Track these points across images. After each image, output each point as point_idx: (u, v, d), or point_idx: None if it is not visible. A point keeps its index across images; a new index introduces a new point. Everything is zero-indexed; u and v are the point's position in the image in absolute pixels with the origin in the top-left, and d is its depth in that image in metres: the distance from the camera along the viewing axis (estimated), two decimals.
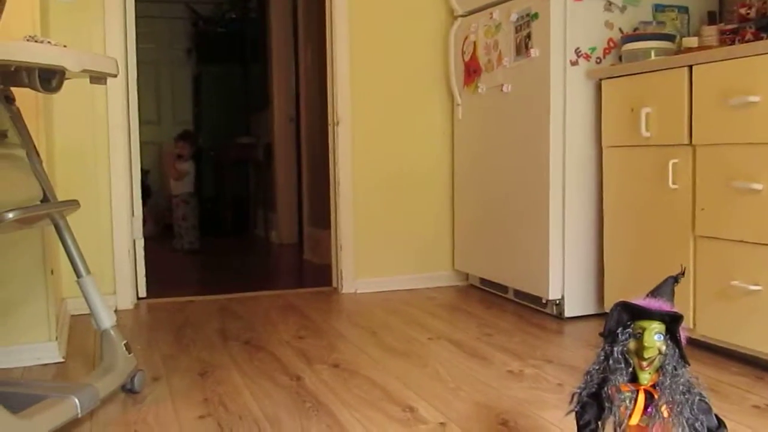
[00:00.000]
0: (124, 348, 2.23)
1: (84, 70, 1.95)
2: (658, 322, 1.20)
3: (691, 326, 2.54)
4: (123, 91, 3.42)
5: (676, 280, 1.32)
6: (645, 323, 1.21)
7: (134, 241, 3.55)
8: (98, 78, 2.14)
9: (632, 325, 1.23)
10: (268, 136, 6.38)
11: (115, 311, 3.39)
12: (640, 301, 1.24)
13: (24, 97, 2.45)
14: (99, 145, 3.40)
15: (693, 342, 2.59)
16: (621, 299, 1.23)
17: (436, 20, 3.85)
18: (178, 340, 2.92)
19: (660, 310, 1.20)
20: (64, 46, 1.93)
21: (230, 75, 7.80)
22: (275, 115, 6.03)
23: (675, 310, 1.22)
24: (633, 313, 1.22)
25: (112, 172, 3.40)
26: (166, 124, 8.45)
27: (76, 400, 1.90)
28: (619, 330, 1.23)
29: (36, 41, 1.87)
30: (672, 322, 1.20)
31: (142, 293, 3.63)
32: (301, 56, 5.32)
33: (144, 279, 3.64)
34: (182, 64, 8.27)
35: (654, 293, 1.29)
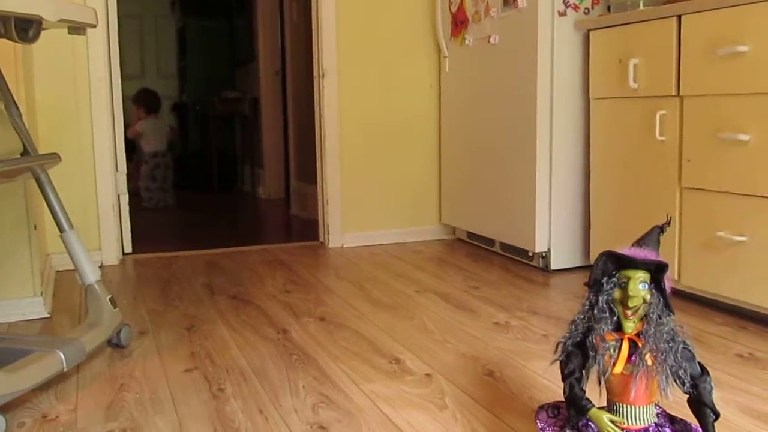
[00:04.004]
0: (109, 302, 2.22)
1: (62, 20, 1.90)
2: (643, 272, 1.20)
3: (676, 277, 2.55)
4: (104, 44, 3.36)
5: (662, 229, 1.31)
6: (630, 272, 1.20)
7: (119, 196, 3.52)
8: (77, 28, 2.09)
9: (617, 275, 1.22)
10: (254, 90, 6.31)
11: (101, 267, 3.39)
12: (626, 250, 1.23)
13: (2, 48, 2.40)
14: (81, 98, 3.35)
15: (678, 293, 2.61)
16: (607, 249, 1.22)
17: None
18: (164, 294, 2.91)
19: (645, 259, 1.20)
20: None
21: (215, 28, 7.68)
22: (261, 69, 5.96)
23: (660, 259, 1.21)
24: (618, 263, 1.22)
25: (94, 127, 3.35)
26: (150, 77, 8.34)
27: (62, 355, 1.89)
28: (605, 279, 1.23)
29: None
30: (657, 271, 1.19)
31: (128, 249, 3.61)
32: (286, 7, 5.23)
33: (129, 234, 3.62)
34: (166, 17, 8.14)
35: (640, 243, 1.28)
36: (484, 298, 2.75)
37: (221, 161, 7.16)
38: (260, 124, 6.09)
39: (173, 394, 1.88)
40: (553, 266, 3.10)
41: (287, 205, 5.43)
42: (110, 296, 2.25)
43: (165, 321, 2.55)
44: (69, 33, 2.10)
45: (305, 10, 4.28)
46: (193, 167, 7.32)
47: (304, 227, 4.30)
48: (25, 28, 1.86)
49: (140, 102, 6.10)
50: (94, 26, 2.08)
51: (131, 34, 8.16)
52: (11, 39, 1.83)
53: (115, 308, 2.24)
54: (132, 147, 6.24)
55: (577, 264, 3.13)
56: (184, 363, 2.11)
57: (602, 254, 1.23)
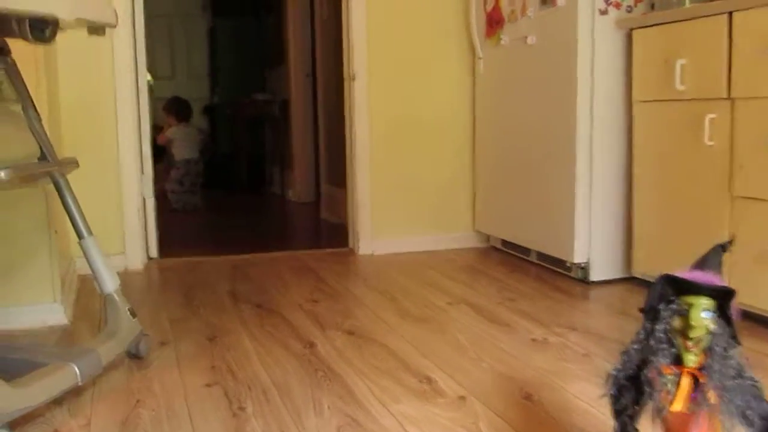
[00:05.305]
0: (128, 312, 2.14)
1: (79, 19, 1.82)
2: (706, 298, 1.07)
3: None
4: (130, 44, 3.29)
5: (724, 248, 1.18)
6: (692, 299, 1.07)
7: (144, 199, 3.45)
8: (96, 29, 2.01)
9: (677, 301, 1.09)
10: (284, 92, 6.23)
11: (125, 272, 3.32)
12: (686, 273, 1.10)
13: (23, 49, 2.32)
14: (106, 100, 3.28)
15: None
16: (665, 272, 1.09)
17: None
18: (187, 302, 2.83)
19: (709, 284, 1.07)
20: None
21: (245, 28, 7.62)
22: (291, 71, 5.88)
23: (726, 284, 1.08)
24: (678, 287, 1.09)
25: (119, 129, 3.29)
26: (180, 79, 8.32)
27: (76, 368, 1.81)
28: (662, 306, 1.10)
29: None
30: (722, 297, 1.06)
31: (153, 253, 3.54)
32: (316, 9, 5.13)
33: (155, 238, 3.54)
34: (196, 18, 8.10)
35: (700, 264, 1.15)
36: (520, 311, 2.62)
37: (251, 163, 7.11)
38: (290, 126, 6.01)
39: (191, 411, 1.78)
40: (593, 278, 2.95)
41: (317, 208, 5.33)
42: (129, 306, 2.16)
43: (187, 330, 2.46)
44: (89, 34, 2.02)
45: (335, 10, 4.18)
46: (223, 169, 7.28)
47: (334, 232, 4.20)
48: (42, 28, 1.78)
49: (171, 110, 6.08)
50: (114, 26, 1.99)
51: (161, 35, 8.16)
52: (26, 39, 1.75)
53: (134, 318, 2.15)
54: (160, 150, 6.21)
55: (618, 276, 2.97)
56: (204, 377, 2.01)
57: (660, 277, 1.10)
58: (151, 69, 8.24)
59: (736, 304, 1.08)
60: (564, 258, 3.02)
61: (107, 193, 3.30)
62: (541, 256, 3.26)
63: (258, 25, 7.52)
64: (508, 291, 2.90)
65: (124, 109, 3.27)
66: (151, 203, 3.49)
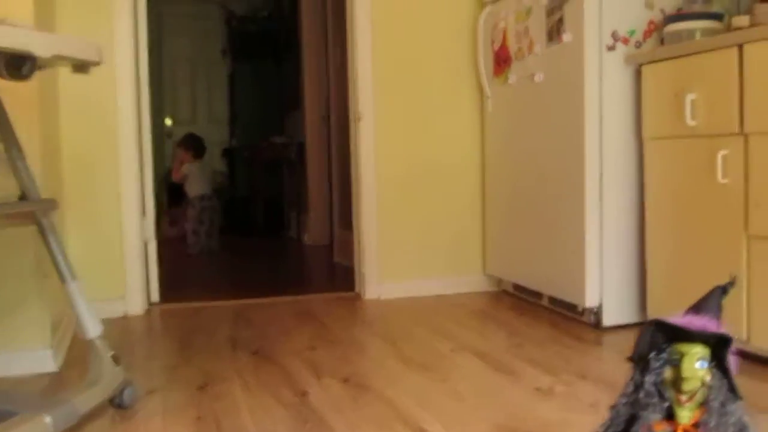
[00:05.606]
0: (111, 359, 2.05)
1: (57, 57, 1.77)
2: (701, 346, 0.96)
3: (745, 337, 2.26)
4: (132, 84, 3.24)
5: (725, 291, 1.07)
6: (684, 347, 0.96)
7: (146, 242, 3.39)
8: (80, 66, 1.96)
9: (669, 349, 0.98)
10: (301, 135, 6.21)
11: (125, 317, 3.25)
12: (680, 318, 0.99)
13: (18, 87, 2.29)
14: (107, 142, 3.24)
15: (747, 356, 2.31)
16: (656, 317, 0.98)
17: (463, 8, 3.61)
18: (183, 348, 2.74)
19: (704, 331, 0.95)
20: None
21: (265, 73, 7.67)
22: (307, 114, 5.86)
23: (723, 330, 0.97)
24: (670, 334, 0.98)
25: (121, 171, 3.24)
26: (201, 122, 8.38)
27: (48, 419, 1.72)
28: (653, 355, 0.99)
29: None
30: (719, 345, 0.95)
31: (155, 298, 3.46)
32: (330, 53, 5.12)
33: (157, 282, 3.47)
34: (217, 62, 8.18)
35: (698, 308, 1.04)
36: (528, 358, 2.49)
37: (268, 206, 7.08)
38: (306, 169, 5.97)
39: None
40: (606, 323, 2.82)
41: (331, 252, 5.24)
42: (113, 353, 2.07)
43: (178, 378, 2.36)
44: (73, 71, 1.97)
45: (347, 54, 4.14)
46: (241, 212, 7.26)
47: (344, 276, 4.10)
48: (18, 65, 1.73)
49: (189, 146, 6.11)
50: (97, 63, 1.94)
51: (184, 79, 8.24)
52: (2, 76, 1.70)
53: (117, 365, 2.06)
54: (179, 191, 6.21)
55: (633, 320, 2.84)
56: (188, 428, 1.91)
57: (649, 323, 0.99)
58: (172, 113, 8.38)
59: (735, 353, 0.97)
60: (575, 302, 2.90)
61: (108, 236, 3.24)
62: (553, 300, 3.13)
63: (277, 70, 7.56)
64: (517, 337, 2.78)
65: (126, 151, 3.23)
66: (153, 246, 3.42)
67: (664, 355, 0.98)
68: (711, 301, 1.05)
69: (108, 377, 2.02)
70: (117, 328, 3.06)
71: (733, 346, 0.95)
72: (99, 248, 3.21)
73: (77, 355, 2.67)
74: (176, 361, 2.57)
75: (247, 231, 6.95)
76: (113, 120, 3.23)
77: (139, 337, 2.95)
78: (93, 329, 2.04)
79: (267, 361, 2.53)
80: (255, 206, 7.16)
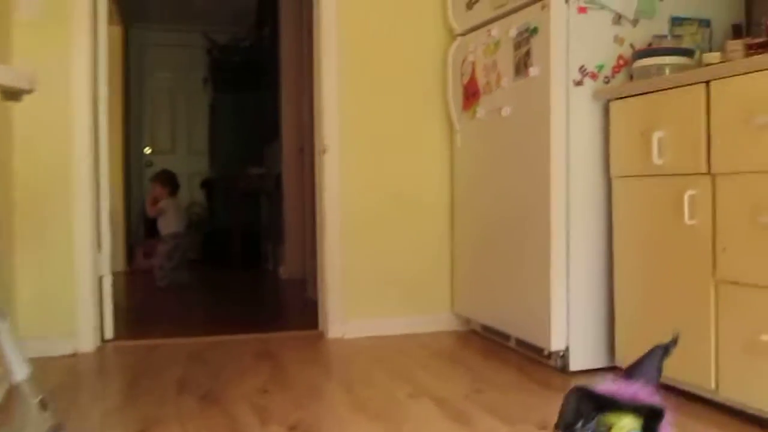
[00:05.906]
0: (39, 404, 1.92)
1: None
2: (630, 416, 0.85)
3: (713, 386, 2.15)
4: (89, 112, 3.13)
5: (666, 351, 0.96)
6: (613, 417, 0.85)
7: (101, 277, 3.26)
8: (12, 94, 1.86)
9: (597, 418, 0.87)
10: (278, 166, 6.12)
11: (74, 354, 3.11)
12: (609, 385, 0.88)
13: None
14: (62, 171, 3.12)
15: (715, 405, 2.20)
16: (580, 384, 0.87)
17: (433, 40, 3.53)
18: (129, 390, 2.60)
19: (634, 400, 0.85)
20: None
21: (245, 103, 7.59)
22: (284, 145, 5.79)
23: (656, 398, 0.86)
24: (597, 403, 0.87)
25: (75, 203, 3.11)
26: (180, 153, 8.30)
27: None
28: (579, 425, 0.88)
29: None
30: (650, 416, 0.84)
31: (109, 335, 3.32)
32: (306, 85, 5.04)
33: (111, 319, 3.33)
34: (198, 92, 8.12)
35: (633, 370, 0.93)
36: (487, 405, 2.36)
37: (246, 238, 6.96)
38: (282, 200, 5.87)
39: None
40: (572, 367, 2.70)
41: (305, 286, 5.11)
42: (41, 397, 1.94)
43: (114, 423, 2.23)
44: (3, 99, 1.87)
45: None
46: (218, 244, 7.14)
47: (313, 313, 3.97)
48: None
49: (165, 182, 6.02)
50: (30, 92, 1.84)
51: (163, 109, 8.17)
52: None
53: (45, 411, 1.93)
54: (153, 226, 6.10)
55: (601, 365, 2.72)
56: None
57: (574, 390, 0.88)
58: (151, 143, 8.27)
59: (670, 423, 0.86)
60: (542, 345, 2.78)
61: (59, 270, 3.11)
62: (521, 343, 3.01)
63: (258, 101, 7.49)
64: (480, 381, 2.65)
65: (79, 182, 3.11)
66: (108, 281, 3.29)
67: (591, 425, 0.87)
68: (648, 364, 0.95)
69: (33, 424, 1.89)
70: (63, 366, 2.92)
71: (667, 417, 0.84)
72: (49, 282, 3.08)
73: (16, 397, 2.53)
74: (119, 403, 2.44)
75: (225, 263, 6.83)
76: (67, 149, 3.12)
77: (85, 376, 2.82)
78: (19, 372, 1.91)
79: (213, 405, 2.40)
80: (233, 238, 7.04)
